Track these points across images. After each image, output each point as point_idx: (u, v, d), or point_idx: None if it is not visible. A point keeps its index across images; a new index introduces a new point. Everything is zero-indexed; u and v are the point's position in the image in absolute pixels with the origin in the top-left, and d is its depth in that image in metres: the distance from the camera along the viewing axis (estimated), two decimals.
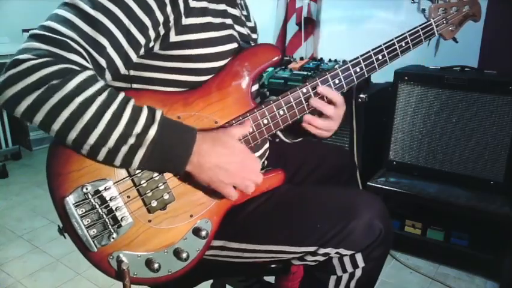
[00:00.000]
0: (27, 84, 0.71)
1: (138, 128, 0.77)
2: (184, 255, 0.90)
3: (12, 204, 2.75)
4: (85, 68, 0.76)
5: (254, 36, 1.18)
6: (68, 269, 2.07)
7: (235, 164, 0.86)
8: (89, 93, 0.74)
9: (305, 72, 2.29)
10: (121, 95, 0.79)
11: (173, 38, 0.88)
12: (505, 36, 2.15)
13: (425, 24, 1.12)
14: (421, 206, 2.09)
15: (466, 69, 2.07)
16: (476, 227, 2.01)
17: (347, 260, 0.94)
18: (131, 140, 0.77)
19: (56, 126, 0.73)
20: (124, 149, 0.78)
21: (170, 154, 0.81)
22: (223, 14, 0.97)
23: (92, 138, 0.75)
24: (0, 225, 2.48)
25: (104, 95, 0.75)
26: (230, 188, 0.88)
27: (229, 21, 0.99)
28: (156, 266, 0.88)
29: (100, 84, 0.76)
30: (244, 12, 1.14)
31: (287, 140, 1.21)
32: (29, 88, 0.71)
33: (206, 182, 0.87)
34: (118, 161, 0.79)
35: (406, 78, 2.07)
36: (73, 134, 0.74)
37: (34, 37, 0.75)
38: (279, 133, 1.19)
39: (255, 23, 1.22)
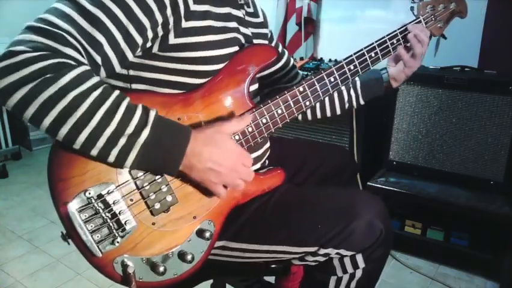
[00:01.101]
0: (22, 76, 0.69)
1: (130, 129, 0.76)
2: (189, 257, 0.89)
3: (12, 204, 2.74)
4: (81, 63, 0.75)
5: (264, 31, 1.17)
6: (68, 269, 2.07)
7: (226, 164, 0.85)
8: (84, 88, 0.72)
9: (305, 72, 2.29)
10: (116, 92, 0.77)
11: (172, 40, 0.87)
12: (505, 36, 2.15)
13: (415, 22, 1.15)
14: (421, 206, 2.09)
15: (466, 69, 2.08)
16: (476, 227, 2.01)
17: (347, 260, 0.94)
18: (123, 141, 0.76)
19: (48, 120, 0.72)
20: (115, 150, 0.77)
21: (162, 156, 0.80)
22: (227, 17, 0.97)
23: (83, 136, 0.74)
24: (0, 225, 2.48)
25: (99, 90, 0.74)
26: (219, 187, 0.88)
27: (233, 24, 0.99)
28: (162, 269, 0.87)
29: (95, 79, 0.75)
30: (251, 9, 1.12)
31: (361, 102, 1.26)
32: (23, 80, 0.69)
33: (197, 181, 0.87)
34: (110, 159, 0.78)
35: None
36: (64, 130, 0.73)
37: (31, 29, 0.74)
38: (350, 93, 1.25)
39: (264, 18, 1.21)
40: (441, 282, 1.96)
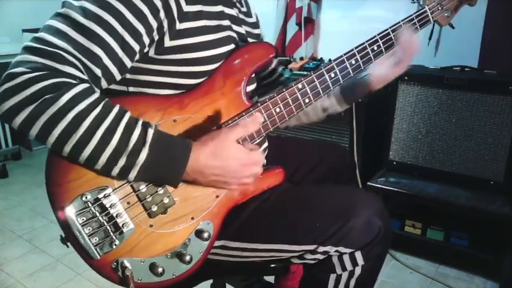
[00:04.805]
0: (23, 98, 0.71)
1: (129, 148, 0.77)
2: (188, 258, 0.89)
3: (12, 204, 2.75)
4: (80, 80, 0.75)
5: (256, 31, 1.17)
6: (68, 269, 2.07)
7: (229, 174, 0.86)
8: (83, 107, 0.73)
9: (305, 72, 2.29)
10: (116, 109, 0.78)
11: (168, 43, 0.87)
12: (505, 36, 2.15)
13: (419, 12, 1.09)
14: (421, 206, 2.09)
15: (466, 69, 2.07)
16: (476, 227, 2.01)
17: (346, 258, 0.94)
18: (123, 161, 0.77)
19: (51, 139, 0.73)
20: (116, 169, 0.78)
21: (163, 173, 0.82)
22: (220, 15, 0.97)
23: (86, 153, 0.75)
24: (0, 225, 2.48)
25: (98, 108, 0.75)
26: (230, 187, 0.90)
27: (226, 22, 0.98)
28: (160, 270, 0.88)
29: (94, 97, 0.75)
30: (244, 9, 1.12)
31: (339, 109, 1.22)
32: (24, 102, 0.71)
33: (205, 187, 0.89)
34: (114, 174, 0.80)
35: (406, 78, 2.07)
36: (67, 148, 0.74)
37: (28, 50, 0.75)
38: (326, 102, 1.20)
39: (257, 18, 1.21)
40: (441, 282, 1.96)
